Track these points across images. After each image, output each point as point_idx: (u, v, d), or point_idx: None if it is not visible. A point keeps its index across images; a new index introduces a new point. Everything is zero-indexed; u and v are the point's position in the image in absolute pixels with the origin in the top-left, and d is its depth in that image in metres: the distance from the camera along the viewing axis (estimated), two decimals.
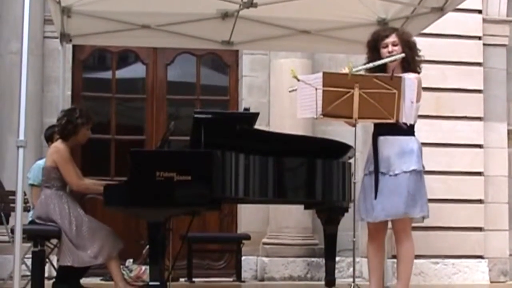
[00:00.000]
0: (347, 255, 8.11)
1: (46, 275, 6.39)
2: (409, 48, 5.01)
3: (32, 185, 6.87)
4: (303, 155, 5.67)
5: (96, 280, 7.21)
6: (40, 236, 5.79)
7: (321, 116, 4.80)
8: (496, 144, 8.54)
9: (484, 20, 8.53)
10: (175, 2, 6.72)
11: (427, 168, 5.10)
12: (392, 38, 5.02)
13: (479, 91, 8.39)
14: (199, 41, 7.52)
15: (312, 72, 7.73)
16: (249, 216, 8.44)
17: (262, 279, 8.26)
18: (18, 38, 5.09)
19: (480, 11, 8.48)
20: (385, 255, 5.95)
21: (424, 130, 7.29)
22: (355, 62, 5.19)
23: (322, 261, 7.16)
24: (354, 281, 5.13)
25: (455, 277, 8.14)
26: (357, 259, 7.61)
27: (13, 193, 5.36)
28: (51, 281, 6.07)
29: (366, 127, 5.76)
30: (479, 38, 8.46)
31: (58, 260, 5.85)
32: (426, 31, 6.96)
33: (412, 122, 4.88)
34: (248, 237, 7.92)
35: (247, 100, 8.56)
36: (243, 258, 8.01)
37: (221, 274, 8.40)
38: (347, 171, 5.88)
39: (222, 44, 7.61)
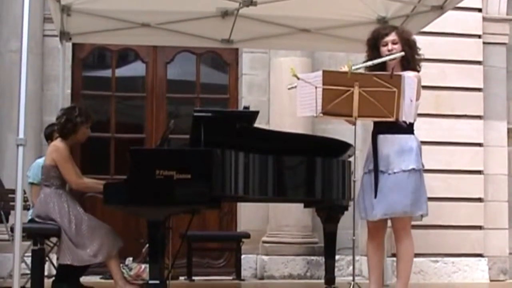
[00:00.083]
0: (347, 254, 8.12)
1: (45, 273, 6.39)
2: (409, 46, 5.01)
3: (31, 183, 6.88)
4: (303, 154, 5.66)
5: (96, 279, 7.20)
6: (39, 234, 5.79)
7: (321, 115, 4.80)
8: (496, 142, 8.54)
9: (484, 19, 8.53)
10: (175, 0, 6.72)
11: (427, 167, 5.10)
12: (392, 36, 5.01)
13: (479, 89, 8.40)
14: (199, 40, 7.52)
15: (312, 70, 7.74)
16: (249, 215, 8.44)
17: (262, 278, 8.26)
18: (18, 37, 5.08)
19: (480, 10, 8.48)
20: (384, 254, 5.95)
21: (424, 129, 7.29)
22: (355, 61, 5.19)
23: (321, 259, 7.15)
24: (353, 280, 5.14)
25: (455, 275, 8.14)
26: (356, 258, 7.62)
27: (13, 191, 5.36)
28: (51, 280, 6.07)
29: (366, 125, 5.76)
30: (479, 36, 8.46)
31: (57, 259, 5.85)
32: (426, 29, 6.96)
33: (411, 121, 4.88)
34: (247, 236, 7.92)
35: (247, 99, 8.56)
36: (242, 256, 8.02)
37: (220, 272, 8.40)
38: (347, 170, 5.88)
39: (222, 43, 7.60)
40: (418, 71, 5.03)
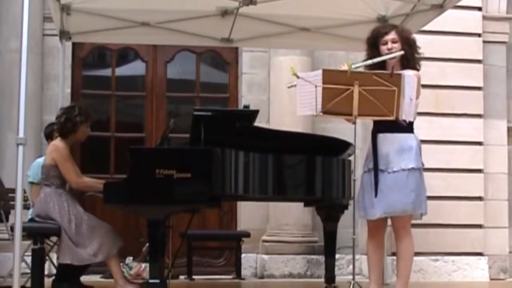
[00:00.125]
0: (347, 252, 8.12)
1: (46, 272, 6.39)
2: (409, 45, 5.01)
3: (31, 183, 6.87)
4: (302, 153, 5.66)
5: (96, 278, 7.20)
6: (40, 233, 5.78)
7: (321, 114, 4.80)
8: (496, 141, 8.54)
9: (484, 17, 8.52)
10: None
11: (427, 166, 5.10)
12: (392, 35, 5.01)
13: (479, 88, 8.39)
14: (199, 39, 7.53)
15: (312, 69, 7.74)
16: (249, 214, 8.44)
17: (262, 277, 8.26)
18: (18, 36, 5.08)
19: (480, 8, 8.48)
20: (384, 252, 5.96)
21: (424, 127, 7.28)
22: (355, 59, 5.19)
23: (321, 258, 7.15)
24: (353, 279, 5.13)
25: (455, 274, 8.14)
26: (356, 256, 7.61)
27: (13, 190, 5.35)
28: (51, 279, 6.08)
29: (366, 124, 5.76)
30: (479, 35, 8.46)
31: (57, 258, 5.85)
32: (426, 28, 6.96)
33: (411, 119, 4.88)
34: (247, 235, 7.92)
35: (247, 98, 8.56)
36: (242, 255, 8.02)
37: (221, 271, 8.40)
38: (347, 169, 5.88)
39: (222, 42, 7.61)
40: (418, 70, 5.03)
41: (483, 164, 8.36)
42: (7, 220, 6.54)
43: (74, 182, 5.86)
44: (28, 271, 6.10)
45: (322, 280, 6.41)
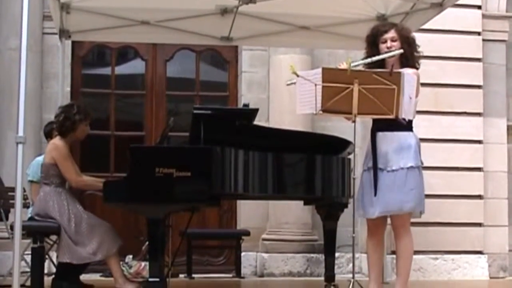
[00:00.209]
0: (347, 251, 8.11)
1: (45, 271, 6.39)
2: (408, 44, 5.00)
3: (31, 181, 6.87)
4: (302, 151, 5.66)
5: (96, 276, 7.20)
6: (39, 232, 5.78)
7: (321, 112, 4.80)
8: (496, 139, 8.54)
9: (484, 16, 8.52)
10: None
11: (426, 164, 5.10)
12: (391, 33, 5.01)
13: (478, 86, 8.39)
14: (198, 37, 7.52)
15: (312, 68, 7.73)
16: (249, 212, 8.44)
17: (262, 275, 8.26)
18: (17, 35, 5.08)
19: (479, 7, 8.47)
20: (384, 251, 5.97)
21: (424, 126, 7.29)
22: (355, 58, 5.18)
23: (321, 257, 7.16)
24: (353, 277, 5.13)
25: (454, 272, 8.14)
26: (356, 255, 7.62)
27: (13, 189, 5.34)
28: (51, 278, 6.08)
29: (365, 122, 5.76)
30: (479, 33, 8.46)
31: (57, 257, 5.86)
32: (425, 26, 6.96)
33: (411, 118, 4.88)
34: (247, 233, 7.92)
35: (247, 96, 8.56)
36: (242, 254, 8.02)
37: (220, 270, 8.40)
38: (347, 167, 5.87)
39: (221, 40, 7.60)
40: (417, 69, 5.03)
41: (483, 162, 8.36)
42: (7, 218, 6.54)
43: (74, 180, 5.86)
44: (28, 269, 6.10)
45: (322, 278, 6.41)
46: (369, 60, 5.01)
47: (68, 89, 8.27)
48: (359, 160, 5.41)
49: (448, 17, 7.40)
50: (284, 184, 5.57)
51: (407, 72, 4.80)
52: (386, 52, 4.97)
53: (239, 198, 7.15)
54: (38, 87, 8.24)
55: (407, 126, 4.91)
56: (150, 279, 5.23)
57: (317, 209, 6.35)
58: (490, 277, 8.24)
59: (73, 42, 8.32)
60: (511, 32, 8.76)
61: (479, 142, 8.37)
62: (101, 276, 7.33)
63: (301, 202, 6.69)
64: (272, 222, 8.38)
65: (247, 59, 8.72)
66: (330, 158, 5.77)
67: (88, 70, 8.95)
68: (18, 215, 4.84)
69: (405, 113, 4.75)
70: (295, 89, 4.89)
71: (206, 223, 8.48)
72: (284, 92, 7.94)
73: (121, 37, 7.71)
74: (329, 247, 6.23)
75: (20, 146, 4.80)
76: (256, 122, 5.83)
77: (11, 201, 6.20)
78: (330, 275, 6.15)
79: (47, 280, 6.02)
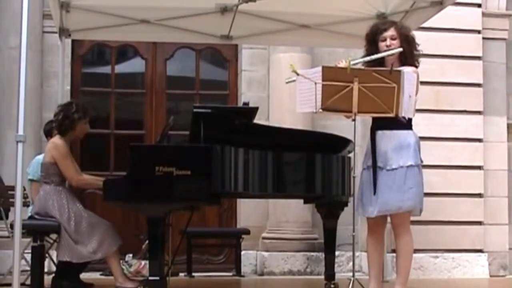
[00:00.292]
0: (347, 250, 8.11)
1: (45, 270, 6.39)
2: (407, 42, 5.00)
3: (31, 180, 6.87)
4: (302, 150, 5.66)
5: (96, 275, 7.21)
6: (39, 231, 5.79)
7: (321, 111, 4.80)
8: (496, 138, 8.54)
9: (484, 14, 8.52)
10: None
11: (426, 162, 5.10)
12: (391, 32, 5.01)
13: (478, 85, 8.39)
14: (198, 36, 7.52)
15: (312, 66, 7.72)
16: (249, 211, 8.44)
17: (262, 274, 8.26)
18: (17, 33, 5.07)
19: (479, 5, 8.47)
20: (384, 250, 5.96)
21: (424, 124, 7.30)
22: (355, 56, 5.18)
23: (321, 255, 7.16)
24: (353, 275, 5.13)
25: (454, 271, 8.14)
26: (356, 254, 7.62)
27: (13, 188, 5.35)
28: (51, 276, 6.08)
29: (365, 121, 5.76)
30: (479, 32, 8.45)
31: (57, 256, 5.86)
32: (425, 25, 6.96)
33: (410, 116, 4.88)
34: (247, 232, 7.92)
35: (247, 95, 8.56)
36: (242, 252, 8.02)
37: (220, 268, 8.40)
38: (347, 166, 5.87)
39: (221, 39, 7.60)
40: (417, 67, 5.02)
41: (483, 161, 8.36)
42: (7, 217, 6.54)
43: (74, 179, 5.87)
44: (28, 268, 6.09)
45: (322, 277, 6.41)
46: (368, 58, 5.02)
47: (68, 87, 8.27)
48: (359, 159, 5.41)
49: (448, 15, 7.38)
50: (284, 183, 5.57)
51: (406, 70, 4.80)
52: (385, 51, 4.97)
53: (239, 196, 7.15)
54: (38, 86, 8.24)
55: (407, 124, 4.91)
56: (150, 278, 5.23)
57: (317, 208, 6.36)
58: (490, 276, 8.24)
59: (73, 41, 8.32)
60: (511, 30, 8.75)
61: (479, 140, 8.36)
62: (101, 274, 7.33)
63: (301, 201, 6.70)
64: (272, 221, 8.38)
65: (247, 57, 8.72)
66: (330, 156, 5.77)
67: (88, 68, 8.94)
68: (18, 214, 4.84)
69: (405, 112, 4.75)
70: (295, 87, 4.89)
71: (206, 221, 8.48)
72: (284, 91, 7.94)
73: (121, 36, 7.71)
74: (329, 246, 6.23)
75: (20, 145, 4.79)
76: (256, 120, 5.83)
77: (11, 200, 6.20)
78: (330, 274, 6.15)
79: (47, 279, 6.02)
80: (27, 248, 6.25)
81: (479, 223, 8.29)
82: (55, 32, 7.35)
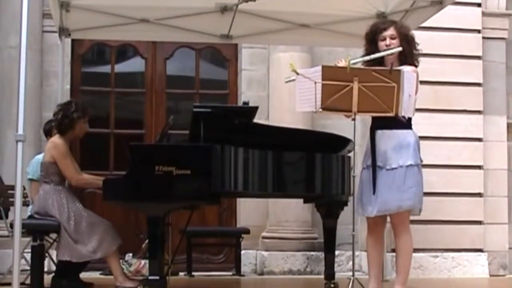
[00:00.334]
0: (347, 249, 8.11)
1: (45, 269, 6.39)
2: (407, 42, 5.00)
3: (31, 179, 6.87)
4: (302, 149, 5.66)
5: (96, 275, 7.21)
6: (39, 230, 5.79)
7: (320, 110, 4.80)
8: (496, 137, 8.54)
9: (484, 14, 8.52)
10: None
11: (426, 162, 5.10)
12: (390, 31, 5.01)
13: (478, 84, 8.39)
14: (198, 35, 7.52)
15: (311, 66, 7.71)
16: (249, 210, 8.44)
17: (262, 273, 8.25)
18: (17, 33, 5.07)
19: (479, 5, 8.46)
20: (384, 249, 5.96)
21: (423, 124, 7.29)
22: (354, 56, 5.18)
23: (321, 255, 7.16)
24: (353, 275, 5.13)
25: (454, 270, 8.14)
26: (356, 253, 7.62)
27: (12, 187, 5.36)
28: (51, 276, 6.08)
29: (365, 120, 5.76)
30: (479, 31, 8.45)
31: (57, 255, 5.85)
32: (425, 24, 6.96)
33: (410, 116, 4.87)
34: (247, 231, 7.92)
35: (246, 94, 8.56)
36: (242, 252, 8.02)
37: (220, 268, 8.40)
38: (346, 165, 5.87)
39: (221, 38, 7.60)
40: (416, 66, 5.02)
41: (483, 160, 8.36)
42: (7, 217, 6.53)
43: (74, 179, 5.87)
44: (28, 268, 6.09)
45: (322, 276, 6.41)
46: (368, 57, 5.01)
47: (68, 87, 8.26)
48: (359, 158, 5.41)
49: (448, 15, 7.38)
50: (284, 182, 5.57)
51: (406, 69, 4.80)
52: (385, 50, 4.97)
53: (239, 196, 7.15)
54: (38, 85, 8.23)
55: (406, 124, 4.91)
56: (150, 277, 5.23)
57: (317, 207, 6.36)
58: (490, 275, 8.24)
59: (73, 40, 8.31)
60: (511, 30, 8.75)
61: (479, 140, 8.36)
62: (101, 274, 7.33)
63: (301, 200, 6.70)
64: (272, 220, 8.38)
65: (247, 57, 8.72)
66: (330, 156, 5.77)
67: (88, 68, 8.94)
68: (18, 213, 4.84)
69: (405, 111, 4.75)
70: (295, 87, 4.88)
71: (206, 221, 8.48)
72: (284, 90, 7.94)
73: (121, 35, 7.71)
74: (329, 245, 6.24)
75: (20, 144, 4.79)
76: (256, 120, 5.83)
77: (11, 199, 6.20)
78: (330, 273, 6.15)
79: (47, 278, 6.02)
80: (27, 247, 6.25)
81: (479, 222, 8.29)
82: (55, 32, 7.35)
